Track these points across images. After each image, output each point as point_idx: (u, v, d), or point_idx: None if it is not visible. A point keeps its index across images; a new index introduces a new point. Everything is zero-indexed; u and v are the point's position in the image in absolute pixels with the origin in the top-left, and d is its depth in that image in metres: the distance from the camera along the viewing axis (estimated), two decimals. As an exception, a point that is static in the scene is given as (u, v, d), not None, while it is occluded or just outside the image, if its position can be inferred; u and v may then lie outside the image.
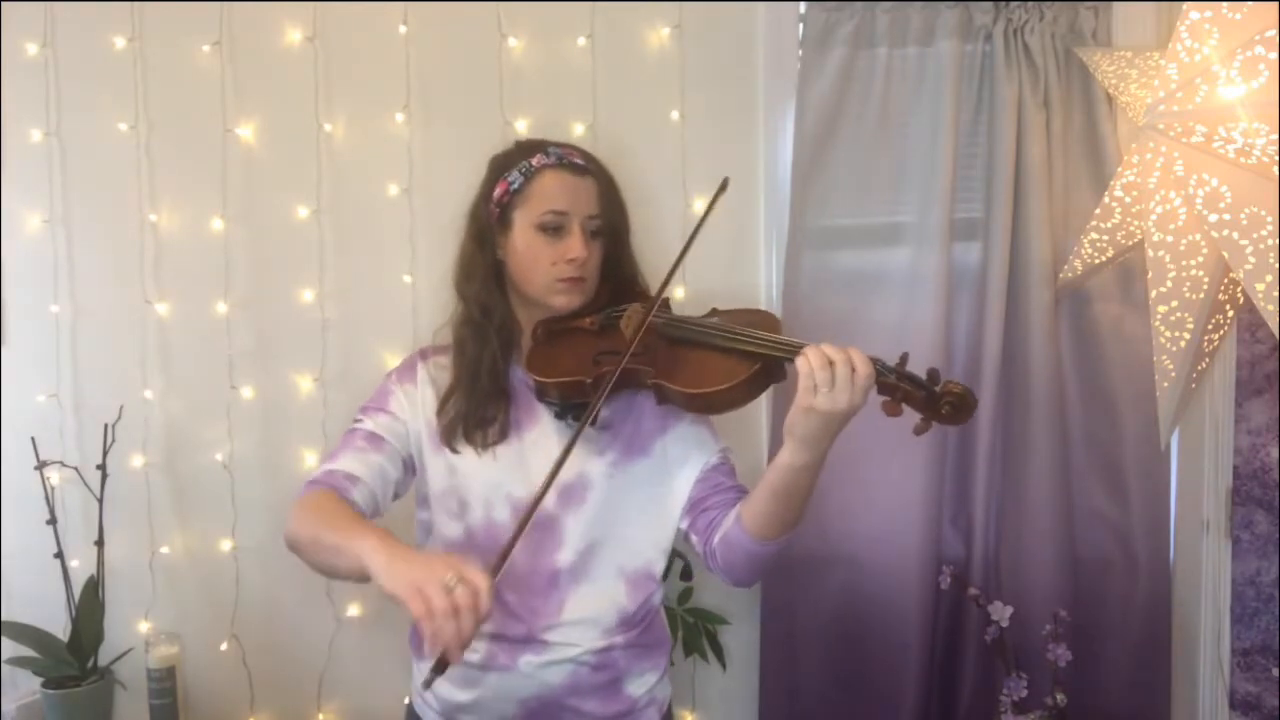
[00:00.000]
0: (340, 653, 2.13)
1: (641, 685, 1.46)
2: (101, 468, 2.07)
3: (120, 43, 2.08)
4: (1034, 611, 1.96)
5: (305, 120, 2.08)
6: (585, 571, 1.42)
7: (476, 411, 1.43)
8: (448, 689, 1.43)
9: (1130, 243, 1.82)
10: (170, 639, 2.08)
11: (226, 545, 2.12)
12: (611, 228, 1.48)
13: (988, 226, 2.01)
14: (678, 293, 2.06)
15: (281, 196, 2.10)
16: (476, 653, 1.40)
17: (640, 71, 2.07)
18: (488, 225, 1.48)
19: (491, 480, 1.42)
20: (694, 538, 1.45)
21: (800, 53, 2.03)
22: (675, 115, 2.07)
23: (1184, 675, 2.07)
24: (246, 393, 2.12)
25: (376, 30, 2.07)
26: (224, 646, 2.13)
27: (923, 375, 1.27)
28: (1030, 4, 1.98)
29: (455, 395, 1.44)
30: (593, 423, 1.39)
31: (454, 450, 1.43)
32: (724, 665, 2.13)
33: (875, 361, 1.25)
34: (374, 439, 1.45)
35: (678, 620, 2.06)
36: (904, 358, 1.27)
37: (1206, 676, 2.01)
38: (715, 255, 2.09)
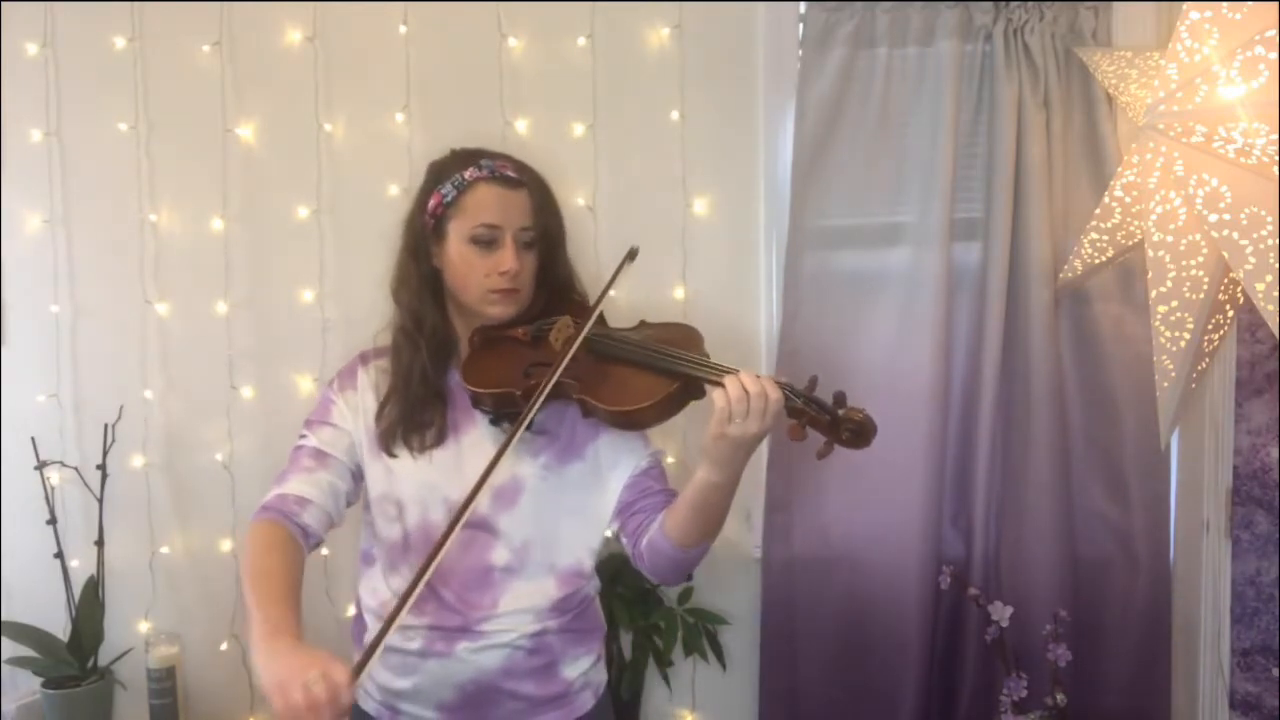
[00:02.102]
0: (340, 653, 2.11)
1: (576, 669, 1.49)
2: (101, 468, 2.07)
3: (120, 43, 2.08)
4: (1034, 611, 1.96)
5: (305, 120, 2.08)
6: (520, 569, 1.46)
7: (412, 416, 1.46)
8: (386, 677, 1.47)
9: (1130, 243, 1.82)
10: (170, 639, 2.08)
11: (226, 545, 2.13)
12: (545, 236, 1.50)
13: (988, 226, 2.01)
14: (677, 293, 2.06)
15: (281, 196, 2.10)
16: (414, 641, 1.43)
17: (640, 71, 2.07)
18: (422, 235, 1.50)
19: (427, 483, 1.45)
20: (624, 539, 1.49)
21: (800, 53, 2.03)
22: (675, 115, 2.07)
23: (1184, 675, 2.07)
24: (246, 393, 2.12)
25: (376, 30, 2.07)
26: (224, 646, 2.13)
27: (829, 399, 1.32)
28: (1030, 4, 1.98)
29: (391, 401, 1.48)
30: (529, 427, 1.42)
31: (391, 454, 1.46)
32: (724, 665, 2.13)
33: (784, 386, 1.31)
34: (320, 456, 1.48)
35: (678, 620, 2.07)
36: (813, 381, 1.33)
37: (1206, 676, 2.01)
38: (715, 255, 2.10)
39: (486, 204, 1.46)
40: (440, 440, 1.46)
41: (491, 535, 1.45)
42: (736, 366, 1.32)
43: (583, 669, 1.50)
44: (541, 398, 1.36)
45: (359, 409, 1.50)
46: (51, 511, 2.07)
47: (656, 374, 1.38)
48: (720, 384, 1.29)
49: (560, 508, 1.47)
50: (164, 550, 2.14)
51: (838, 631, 2.06)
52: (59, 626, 2.08)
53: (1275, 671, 1.95)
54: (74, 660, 2.04)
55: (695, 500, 1.35)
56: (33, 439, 2.09)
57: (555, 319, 1.48)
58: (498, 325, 1.49)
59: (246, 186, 2.11)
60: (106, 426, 2.08)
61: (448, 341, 1.51)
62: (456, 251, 1.47)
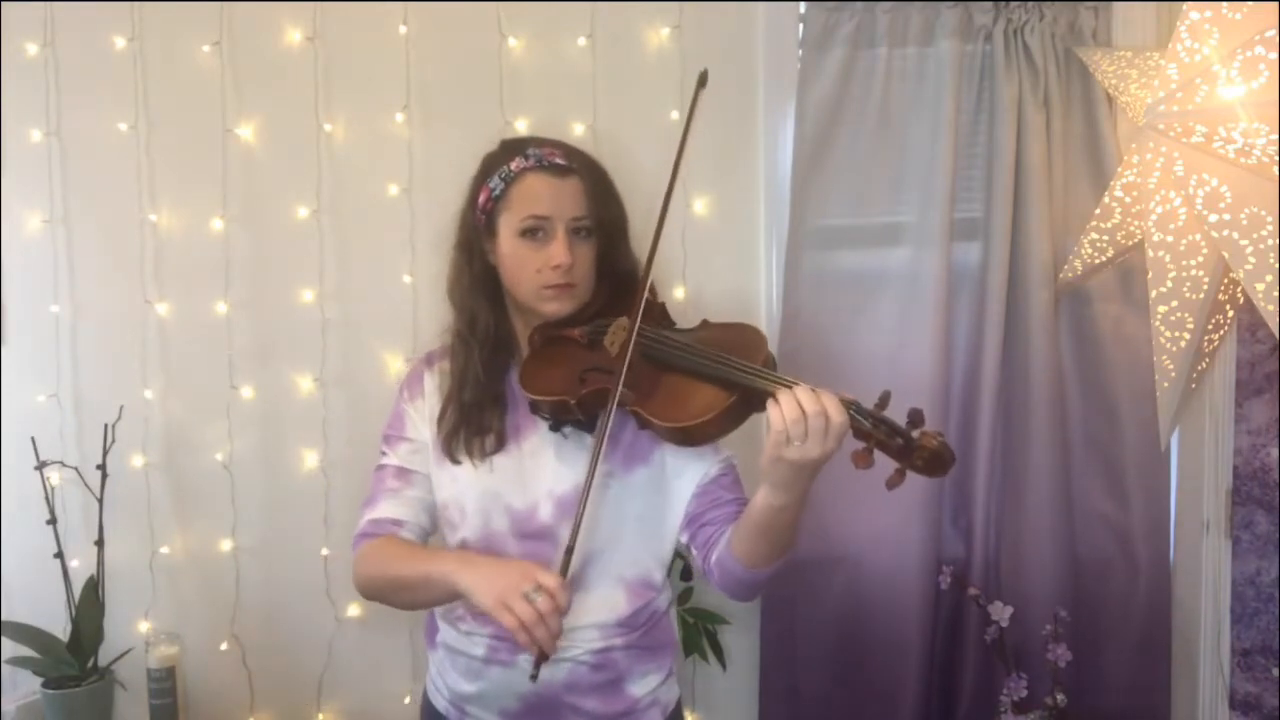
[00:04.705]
0: (340, 653, 2.13)
1: (643, 686, 1.45)
2: (101, 468, 2.07)
3: (120, 43, 2.08)
4: (1034, 611, 1.96)
5: (305, 120, 2.08)
6: (583, 580, 1.41)
7: (470, 422, 1.42)
8: (455, 679, 1.46)
9: (1130, 243, 1.82)
10: (170, 639, 2.08)
11: (226, 545, 2.13)
12: (602, 225, 1.42)
13: (988, 226, 2.01)
14: (677, 293, 2.06)
15: (281, 196, 2.10)
16: (479, 646, 1.42)
17: (640, 71, 2.07)
18: (474, 232, 1.45)
19: (489, 490, 1.42)
20: (694, 552, 1.42)
21: (800, 53, 2.03)
22: (675, 115, 2.06)
23: (1184, 675, 2.07)
24: (246, 393, 2.12)
25: (376, 30, 2.07)
26: (224, 646, 2.13)
27: (902, 420, 1.18)
28: (1030, 4, 1.98)
29: (450, 407, 1.44)
30: (589, 430, 1.38)
31: (454, 461, 1.43)
32: (724, 665, 2.13)
33: (851, 405, 1.18)
34: (403, 474, 1.46)
35: (678, 620, 2.06)
36: (884, 398, 1.20)
37: (1206, 676, 2.01)
38: (715, 255, 2.10)
39: (535, 194, 1.38)
40: (500, 446, 1.41)
41: (553, 546, 1.39)
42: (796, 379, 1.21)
43: (650, 686, 1.45)
44: (609, 427, 1.30)
45: (427, 416, 1.47)
46: (51, 511, 2.07)
47: (713, 384, 1.27)
48: (774, 401, 1.17)
49: (626, 515, 1.41)
50: (164, 550, 2.14)
51: (838, 631, 2.06)
52: (59, 626, 2.08)
53: (1275, 671, 1.95)
54: (74, 660, 2.04)
55: (759, 522, 1.25)
56: (33, 439, 2.09)
57: (612, 320, 1.41)
58: (556, 324, 1.43)
59: (246, 186, 2.10)
60: (106, 426, 2.08)
61: (505, 342, 1.45)
62: (508, 246, 1.40)
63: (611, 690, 1.43)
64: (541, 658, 1.23)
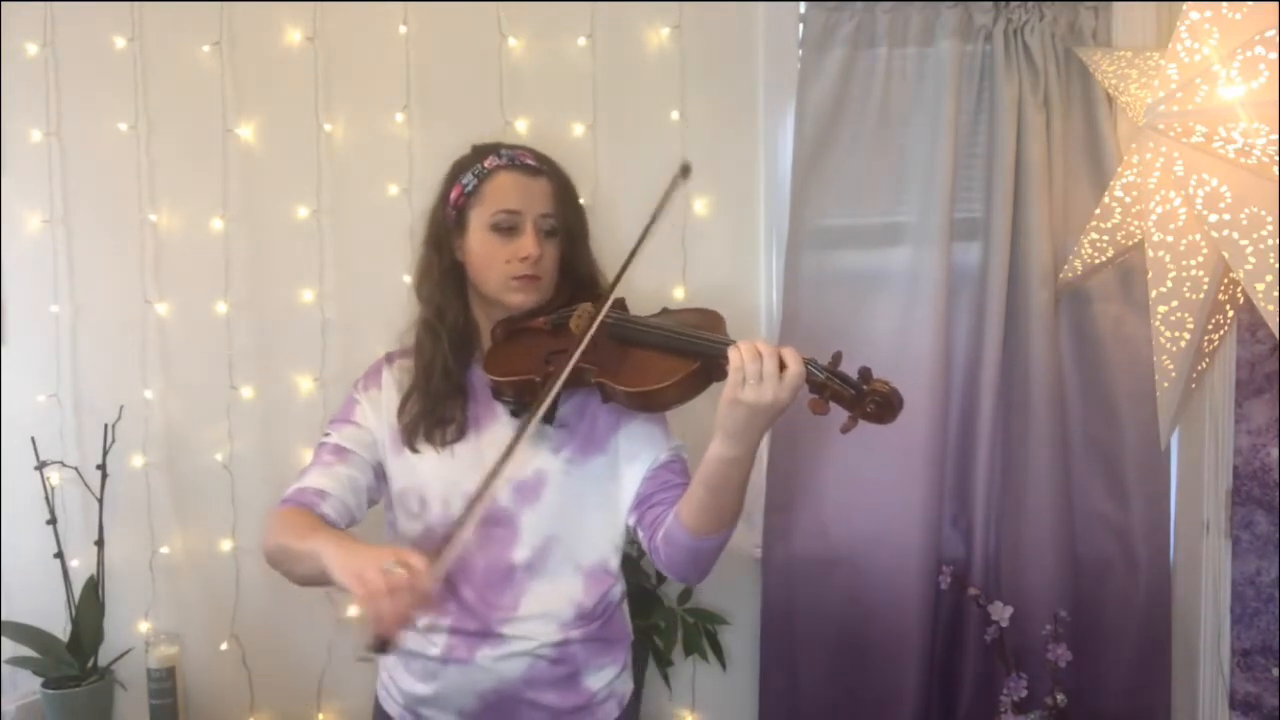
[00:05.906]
0: (340, 653, 2.13)
1: (600, 679, 1.47)
2: (101, 468, 2.07)
3: (120, 43, 2.08)
4: (1034, 611, 1.96)
5: (305, 120, 2.08)
6: (542, 567, 1.44)
7: (434, 411, 1.46)
8: (409, 682, 1.46)
9: (1130, 243, 1.82)
10: (170, 639, 2.08)
11: (226, 545, 2.13)
12: (566, 228, 1.50)
13: (988, 226, 2.01)
14: (677, 293, 2.06)
15: (281, 196, 2.10)
16: (436, 646, 1.43)
17: (640, 71, 2.07)
18: (444, 228, 1.51)
19: (449, 478, 1.45)
20: (640, 534, 1.46)
21: (800, 53, 2.03)
22: (675, 115, 2.07)
23: (1184, 675, 2.07)
24: (246, 393, 2.12)
25: (376, 30, 2.07)
26: (224, 646, 2.13)
27: (854, 374, 1.28)
28: (1030, 4, 1.98)
29: (413, 396, 1.48)
30: (549, 420, 1.43)
31: (414, 450, 1.46)
32: (724, 665, 2.13)
33: (807, 360, 1.27)
34: (340, 451, 1.48)
35: (678, 620, 2.07)
36: (837, 356, 1.29)
37: (1206, 676, 2.01)
38: (715, 255, 2.10)
39: (506, 190, 1.46)
40: (461, 435, 1.45)
41: (512, 531, 1.43)
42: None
43: (607, 679, 1.48)
44: (560, 381, 1.35)
45: (382, 407, 1.50)
46: (51, 511, 2.07)
47: (676, 355, 1.36)
48: (734, 346, 1.25)
49: (584, 502, 1.46)
50: (164, 550, 2.15)
51: (838, 631, 2.06)
52: (59, 626, 2.08)
53: (1275, 671, 1.95)
54: (74, 660, 2.04)
55: (709, 478, 1.31)
56: (33, 439, 2.09)
57: (576, 306, 1.47)
58: (519, 316, 1.48)
59: (246, 186, 2.11)
60: (106, 426, 2.08)
61: (469, 335, 1.51)
62: (478, 240, 1.47)
63: (570, 684, 1.45)
64: (378, 643, 1.16)
